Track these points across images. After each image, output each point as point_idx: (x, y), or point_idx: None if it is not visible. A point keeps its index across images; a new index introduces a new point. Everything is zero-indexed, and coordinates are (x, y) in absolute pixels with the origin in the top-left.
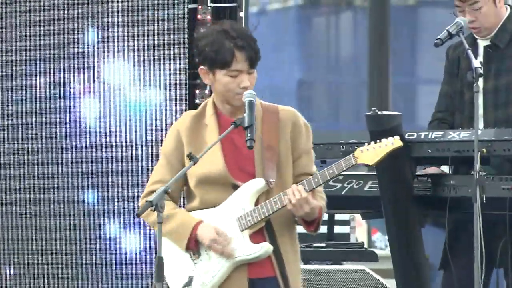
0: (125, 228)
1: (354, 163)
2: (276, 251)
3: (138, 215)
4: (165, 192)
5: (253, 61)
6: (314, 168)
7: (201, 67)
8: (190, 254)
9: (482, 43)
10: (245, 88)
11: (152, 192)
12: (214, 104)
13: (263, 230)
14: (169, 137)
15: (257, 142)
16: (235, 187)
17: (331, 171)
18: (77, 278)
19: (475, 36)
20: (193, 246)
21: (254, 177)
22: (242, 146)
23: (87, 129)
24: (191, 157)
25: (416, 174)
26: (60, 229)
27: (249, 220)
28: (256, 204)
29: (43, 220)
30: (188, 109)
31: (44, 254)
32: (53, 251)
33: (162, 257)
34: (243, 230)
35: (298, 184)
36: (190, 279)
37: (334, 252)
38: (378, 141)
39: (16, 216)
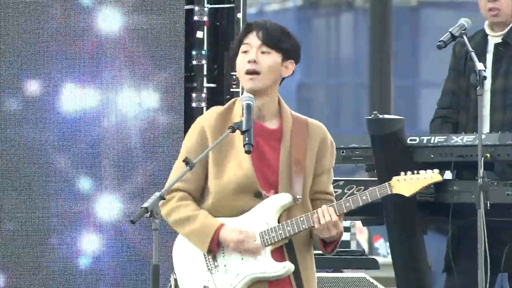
0: (123, 228)
1: (389, 192)
2: (296, 270)
3: (133, 222)
4: (161, 197)
5: (264, 38)
6: (331, 188)
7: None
8: (207, 262)
9: (493, 41)
10: (250, 62)
11: (173, 191)
12: None
13: (283, 248)
14: (192, 134)
15: (285, 154)
16: (259, 194)
17: (364, 197)
18: (75, 279)
19: (486, 31)
20: (215, 248)
21: (275, 188)
22: (268, 154)
23: (84, 130)
24: (187, 161)
25: None
26: (54, 238)
27: (273, 237)
28: (279, 220)
29: (38, 227)
30: (184, 112)
31: (37, 261)
32: (46, 258)
33: (158, 265)
34: (265, 246)
35: (328, 206)
36: None
37: (334, 259)
38: (416, 172)
39: (6, 222)
